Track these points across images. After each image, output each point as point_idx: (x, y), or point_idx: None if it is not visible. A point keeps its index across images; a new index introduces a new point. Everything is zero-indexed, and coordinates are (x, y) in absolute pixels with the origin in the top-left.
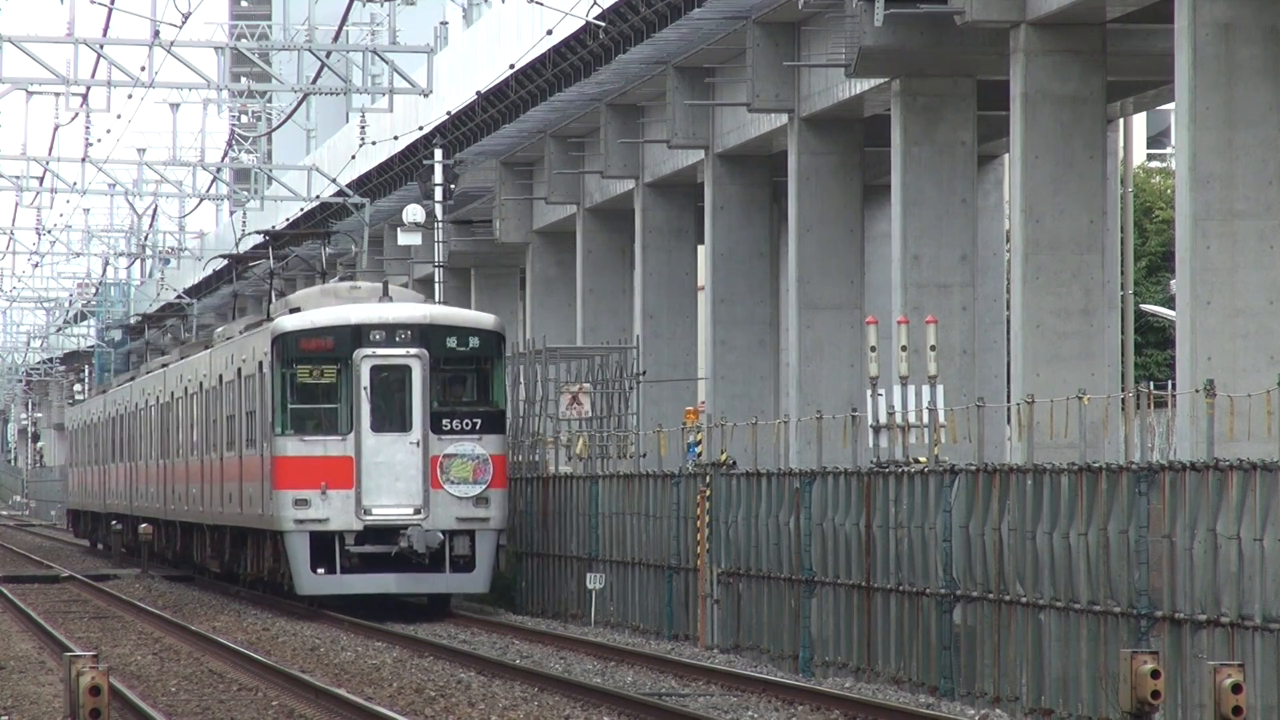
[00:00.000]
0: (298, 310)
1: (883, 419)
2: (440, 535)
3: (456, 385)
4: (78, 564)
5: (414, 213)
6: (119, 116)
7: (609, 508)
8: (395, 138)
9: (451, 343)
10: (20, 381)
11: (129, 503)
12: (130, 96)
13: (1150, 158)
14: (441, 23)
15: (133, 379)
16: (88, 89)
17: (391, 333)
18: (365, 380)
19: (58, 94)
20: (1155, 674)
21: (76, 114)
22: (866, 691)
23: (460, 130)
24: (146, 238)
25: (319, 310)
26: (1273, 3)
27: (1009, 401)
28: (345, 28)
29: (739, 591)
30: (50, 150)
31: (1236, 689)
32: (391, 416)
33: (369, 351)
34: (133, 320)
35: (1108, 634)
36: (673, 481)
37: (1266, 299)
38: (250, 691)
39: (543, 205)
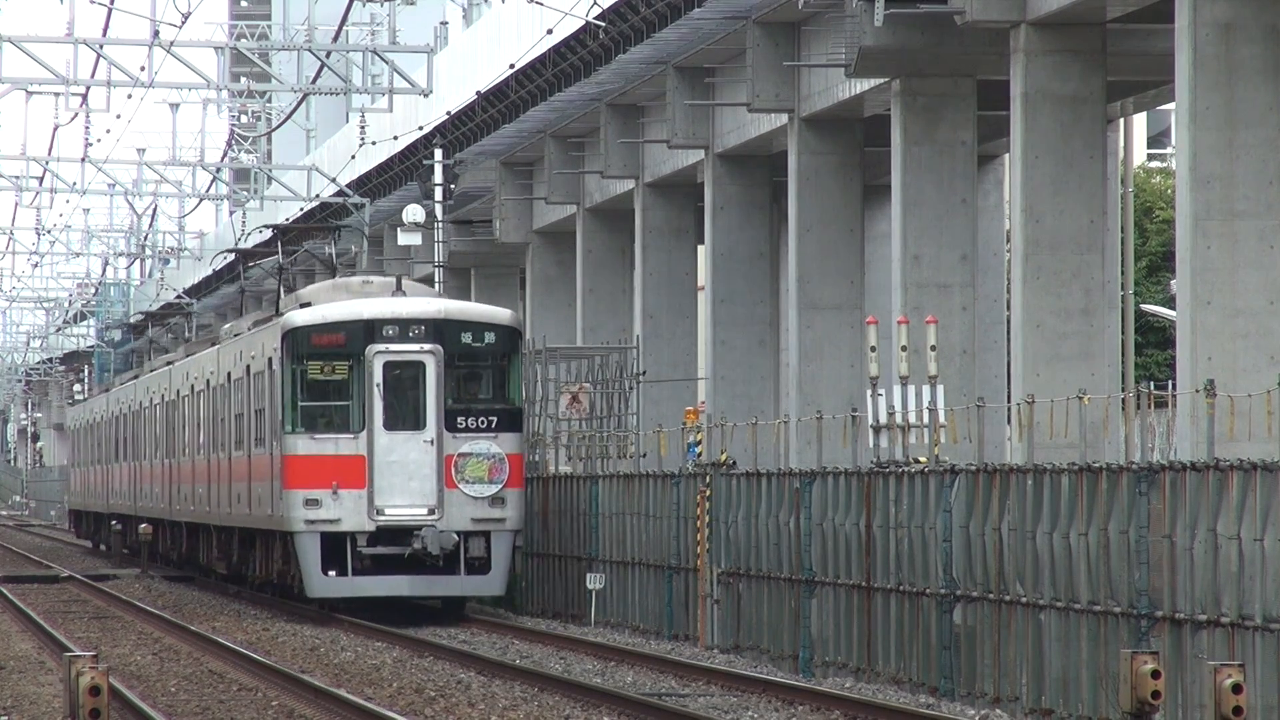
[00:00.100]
0: (308, 305)
1: (883, 419)
2: (455, 536)
3: (472, 382)
4: (77, 564)
5: (414, 213)
6: (119, 116)
7: (609, 508)
8: (395, 138)
9: (467, 338)
10: (20, 381)
11: (133, 503)
12: (130, 96)
13: (1150, 158)
14: (441, 23)
15: (136, 377)
16: (87, 89)
17: (405, 328)
18: (378, 377)
19: (57, 94)
20: (1155, 674)
21: (76, 114)
22: (866, 692)
23: (460, 130)
24: (146, 238)
25: (330, 305)
26: (1273, 2)
27: (1009, 401)
28: (345, 28)
29: (739, 591)
30: (50, 150)
31: (1237, 689)
32: (405, 414)
33: (382, 347)
34: (134, 319)
35: (1108, 634)
36: (673, 481)
37: (1266, 299)
38: (250, 692)
39: (543, 205)
